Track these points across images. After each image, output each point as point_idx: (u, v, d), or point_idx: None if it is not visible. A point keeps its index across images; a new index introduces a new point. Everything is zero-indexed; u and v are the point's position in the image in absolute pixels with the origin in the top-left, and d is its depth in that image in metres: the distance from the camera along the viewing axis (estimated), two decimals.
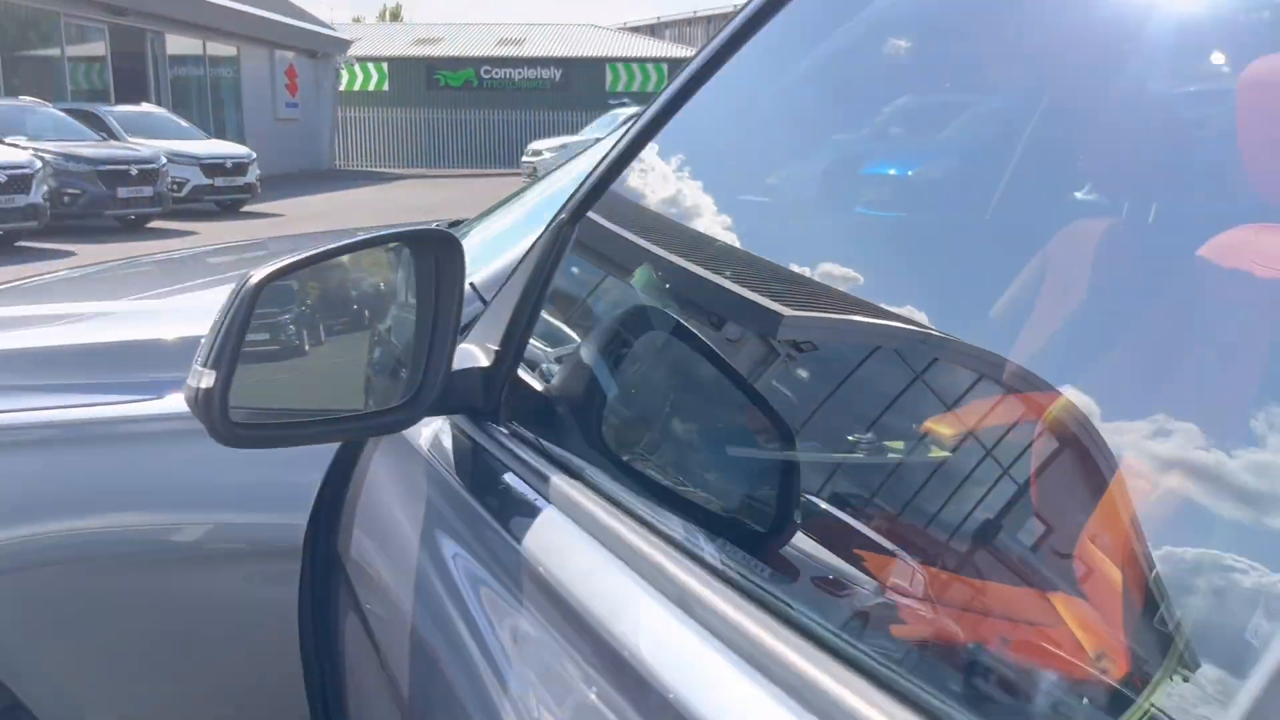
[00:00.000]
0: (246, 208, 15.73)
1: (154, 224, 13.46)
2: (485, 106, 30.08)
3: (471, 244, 2.10)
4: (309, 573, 1.32)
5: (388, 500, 1.20)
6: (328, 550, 1.31)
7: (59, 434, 1.37)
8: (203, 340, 0.93)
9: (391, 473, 1.21)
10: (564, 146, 19.53)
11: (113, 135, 14.32)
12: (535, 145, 20.38)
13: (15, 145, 11.55)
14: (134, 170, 12.85)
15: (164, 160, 13.50)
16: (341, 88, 29.50)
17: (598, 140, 2.73)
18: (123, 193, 12.70)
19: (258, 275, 0.93)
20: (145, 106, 16.87)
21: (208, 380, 0.90)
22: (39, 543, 1.33)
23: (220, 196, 15.30)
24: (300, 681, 1.33)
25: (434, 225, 1.15)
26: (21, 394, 1.43)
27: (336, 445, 1.29)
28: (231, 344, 0.91)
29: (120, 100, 17.75)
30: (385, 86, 31.12)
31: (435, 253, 1.04)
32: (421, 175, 25.56)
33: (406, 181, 23.31)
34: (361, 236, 1.11)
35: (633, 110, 21.30)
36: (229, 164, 15.27)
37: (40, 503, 1.34)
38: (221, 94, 23.70)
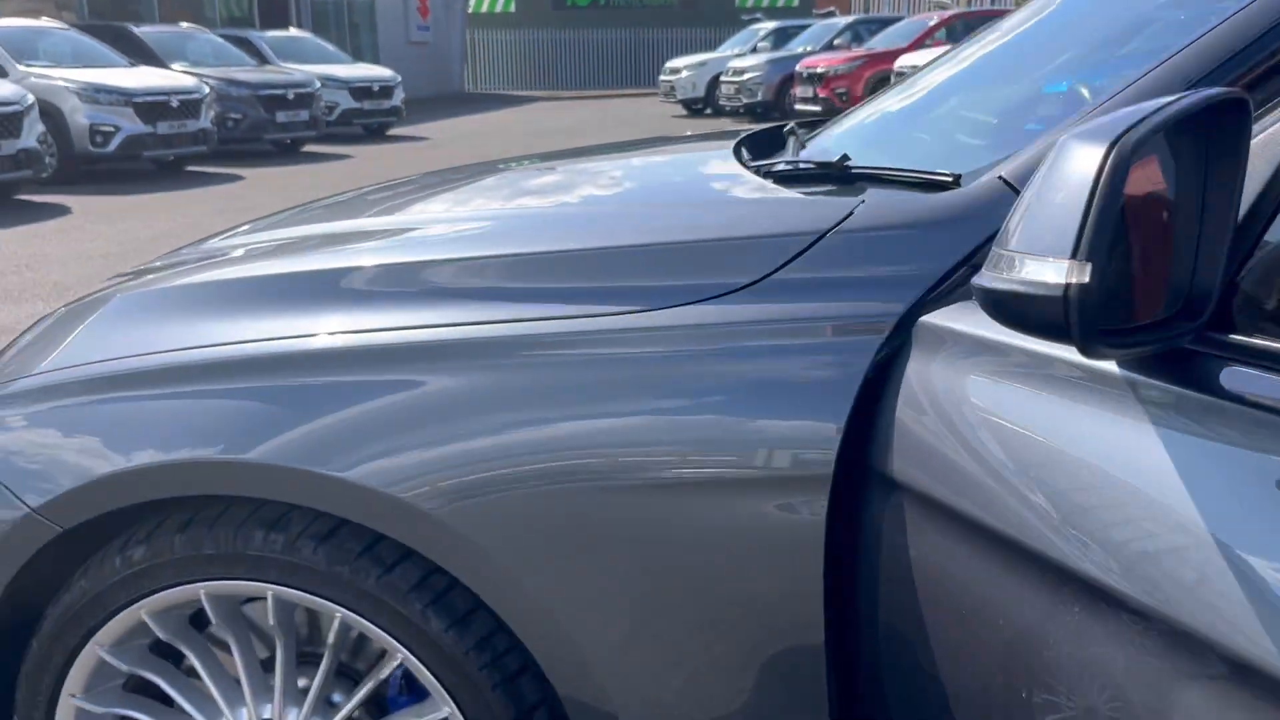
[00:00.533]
0: (392, 131, 15.77)
1: (308, 148, 13.60)
2: (612, 25, 29.54)
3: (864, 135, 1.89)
4: (845, 502, 1.12)
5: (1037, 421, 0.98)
6: (873, 474, 1.11)
7: (569, 346, 1.20)
8: (1026, 222, 0.73)
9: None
10: (704, 64, 19.00)
11: (265, 60, 14.46)
12: (673, 63, 19.88)
13: (180, 72, 11.72)
14: (290, 94, 12.97)
15: (318, 84, 13.58)
16: (470, 10, 29.33)
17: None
18: (280, 117, 12.84)
19: (1128, 141, 0.71)
20: (293, 31, 17.00)
21: (1079, 274, 0.69)
22: (551, 464, 1.16)
23: (368, 120, 15.36)
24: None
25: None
26: (506, 302, 1.26)
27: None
28: (1109, 227, 0.69)
29: (263, 25, 17.92)
30: (512, 8, 30.81)
31: (1216, 121, 0.80)
32: (553, 97, 25.30)
33: (539, 104, 23.09)
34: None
35: (771, 24, 20.61)
36: (376, 87, 15.29)
37: (552, 415, 1.17)
38: (357, 18, 23.78)
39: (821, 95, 15.31)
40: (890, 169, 1.43)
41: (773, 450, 1.16)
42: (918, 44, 15.63)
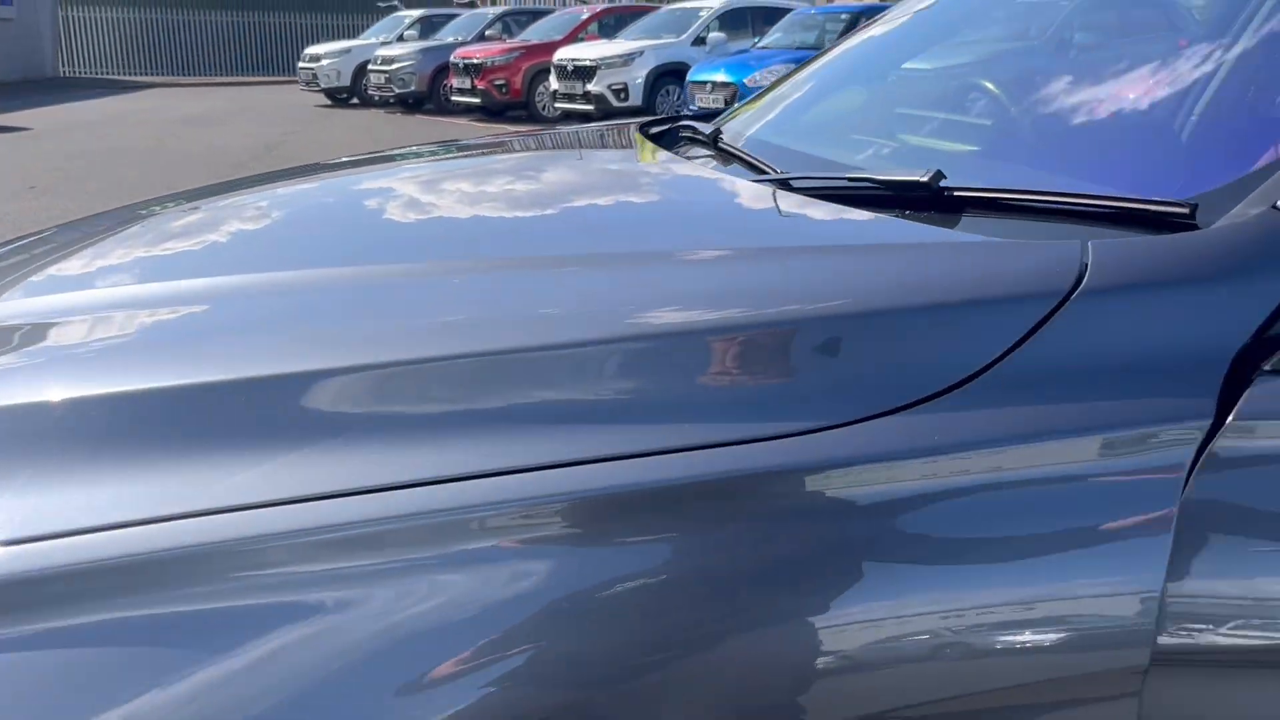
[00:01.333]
0: None
1: None
2: (230, 8, 27.16)
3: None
4: None
5: None
6: None
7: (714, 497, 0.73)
8: None
9: None
10: (347, 52, 17.91)
11: None
12: (314, 50, 18.54)
13: None
14: None
15: None
16: None
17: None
18: None
19: None
20: None
21: None
22: None
23: None
24: None
25: None
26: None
27: None
28: None
29: None
30: None
31: None
32: (171, 84, 22.80)
33: (156, 90, 20.71)
34: None
35: (416, 12, 19.77)
36: None
37: None
38: None
39: (479, 87, 14.83)
40: (1040, 193, 1.05)
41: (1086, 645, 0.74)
42: (572, 36, 15.59)
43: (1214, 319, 0.82)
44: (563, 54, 14.20)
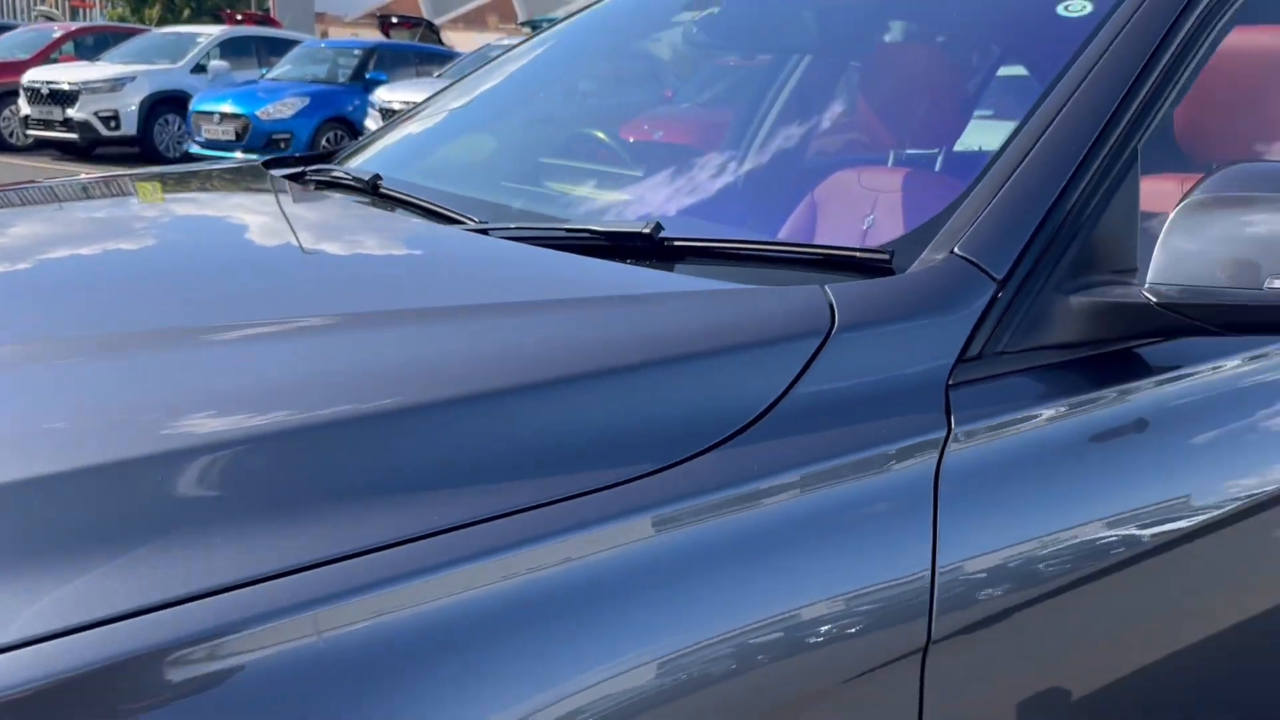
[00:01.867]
0: None
1: None
2: None
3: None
4: None
5: None
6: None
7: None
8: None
9: None
10: None
11: None
12: None
13: None
14: None
15: None
16: None
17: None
18: None
19: None
20: None
21: None
22: None
23: None
24: None
25: None
26: None
27: None
28: None
29: None
30: None
31: None
32: None
33: None
34: None
35: None
36: None
37: None
38: None
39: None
40: (756, 242, 1.16)
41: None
42: (43, 56, 13.87)
43: (925, 346, 0.99)
44: (35, 75, 12.60)
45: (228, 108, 11.93)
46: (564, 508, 0.76)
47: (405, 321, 1.01)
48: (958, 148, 1.68)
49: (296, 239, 1.42)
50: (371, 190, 1.56)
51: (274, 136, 11.86)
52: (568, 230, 1.24)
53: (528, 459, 0.80)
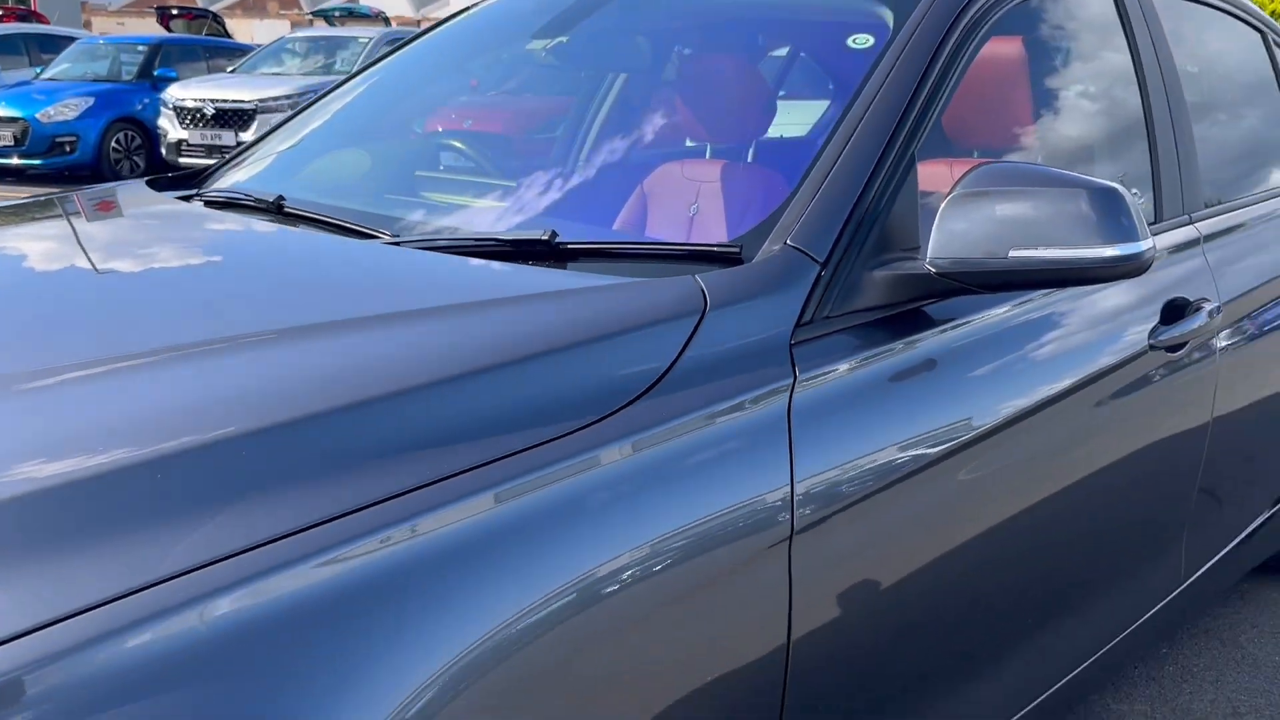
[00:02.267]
0: None
1: None
2: None
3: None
4: None
5: None
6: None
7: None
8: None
9: None
10: None
11: None
12: None
13: None
14: None
15: None
16: None
17: None
18: None
19: None
20: None
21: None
22: None
23: None
24: None
25: None
26: None
27: None
28: None
29: None
30: None
31: None
32: None
33: None
34: None
35: None
36: None
37: None
38: None
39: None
40: (636, 242, 1.44)
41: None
42: None
43: (772, 317, 1.30)
44: None
45: (2, 111, 11.23)
46: (539, 451, 1.03)
47: (375, 325, 1.24)
48: (763, 139, 2.02)
49: (230, 259, 1.61)
50: (276, 210, 1.76)
51: (57, 139, 11.26)
52: (476, 239, 1.49)
53: (510, 420, 1.06)
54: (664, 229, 1.79)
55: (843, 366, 1.32)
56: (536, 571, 0.98)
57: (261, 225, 1.71)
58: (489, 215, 1.80)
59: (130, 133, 11.83)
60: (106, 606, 0.79)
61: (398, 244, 1.53)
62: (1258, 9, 2.59)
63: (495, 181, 2.00)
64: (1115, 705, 2.30)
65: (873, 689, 1.38)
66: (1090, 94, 2.05)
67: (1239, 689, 2.38)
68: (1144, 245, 1.35)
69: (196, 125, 10.83)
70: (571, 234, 1.47)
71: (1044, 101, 2.00)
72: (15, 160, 11.27)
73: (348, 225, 1.62)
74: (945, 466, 1.39)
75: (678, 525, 1.10)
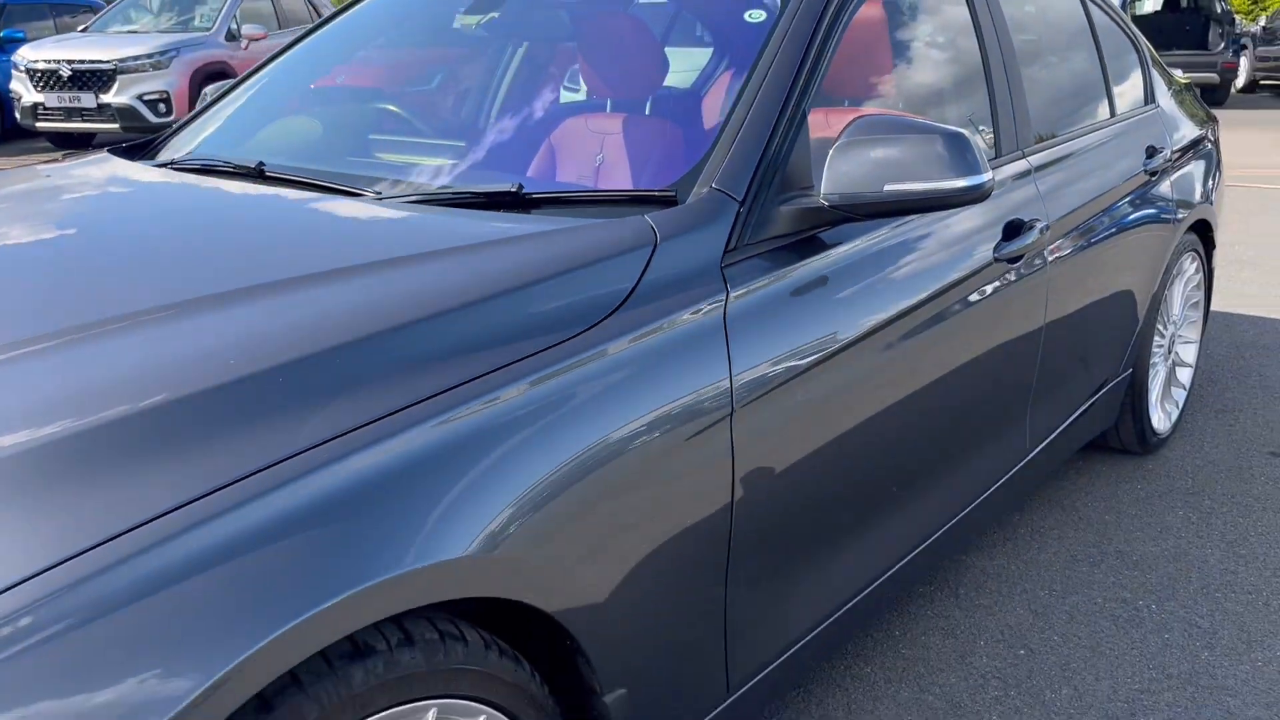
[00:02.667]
0: None
1: None
2: None
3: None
4: None
5: None
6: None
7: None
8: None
9: None
10: None
11: None
12: None
13: None
14: None
15: None
16: None
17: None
18: None
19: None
20: None
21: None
22: None
23: None
24: None
25: None
26: None
27: None
28: None
29: None
30: None
31: None
32: None
33: None
34: None
35: None
36: None
37: None
38: None
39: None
40: (574, 192, 1.76)
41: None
42: None
43: (706, 247, 1.64)
44: None
45: None
46: (550, 353, 1.36)
47: (410, 263, 1.53)
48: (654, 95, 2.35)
49: (243, 218, 1.86)
50: (258, 174, 2.01)
51: None
52: (453, 193, 1.78)
53: (527, 330, 1.38)
54: (572, 177, 2.11)
55: (761, 283, 1.67)
56: (556, 433, 1.31)
57: (254, 188, 1.96)
58: (449, 171, 2.09)
59: None
60: (276, 466, 1.10)
61: (381, 200, 1.81)
62: None
63: (440, 142, 2.28)
64: (979, 562, 2.77)
65: (794, 525, 1.76)
66: (941, 52, 2.44)
67: (1076, 543, 2.88)
68: (985, 177, 1.74)
69: (53, 88, 10.47)
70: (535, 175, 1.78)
71: (905, 59, 2.39)
72: None
73: (334, 186, 1.89)
74: (839, 359, 1.77)
75: (650, 408, 1.44)
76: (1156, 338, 3.30)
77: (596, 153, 2.16)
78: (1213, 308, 5.11)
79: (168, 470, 1.08)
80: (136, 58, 10.44)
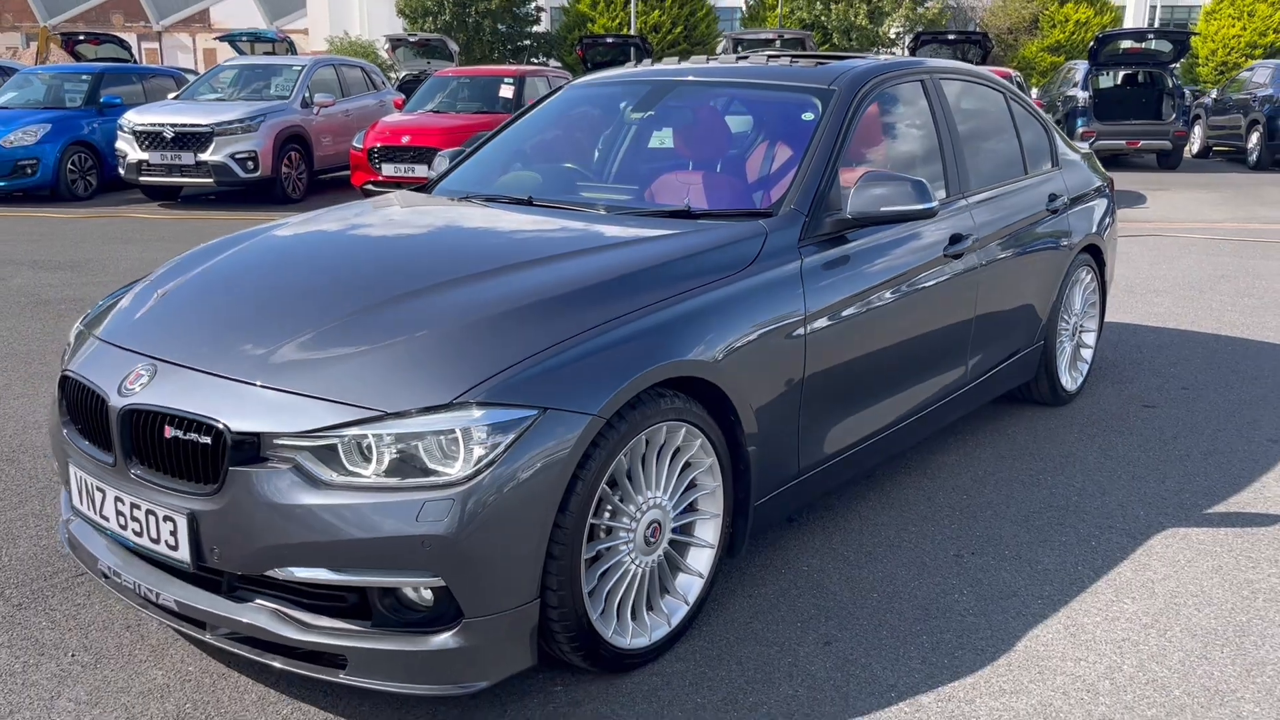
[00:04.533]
0: None
1: None
2: None
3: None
4: None
5: None
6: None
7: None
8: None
9: None
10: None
11: None
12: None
13: None
14: None
15: None
16: None
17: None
18: None
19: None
20: None
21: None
22: None
23: None
24: None
25: None
26: None
27: None
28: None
29: None
30: None
31: None
32: None
33: None
34: None
35: None
36: None
37: None
38: None
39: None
40: (718, 210, 3.35)
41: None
42: None
43: (789, 237, 3.21)
44: None
45: None
46: (720, 280, 2.91)
47: (644, 241, 3.10)
48: (730, 164, 3.94)
49: (533, 225, 3.42)
50: (527, 202, 3.58)
51: (20, 163, 12.36)
52: (654, 210, 3.36)
53: (709, 270, 2.93)
54: (704, 204, 3.68)
55: (816, 257, 3.23)
56: (724, 317, 2.85)
57: (527, 212, 3.53)
58: (644, 199, 3.66)
59: (83, 155, 12.96)
60: (604, 325, 2.64)
61: (607, 212, 3.38)
62: (996, 77, 4.66)
63: (619, 186, 3.87)
64: (937, 458, 4.31)
65: (834, 388, 3.29)
66: (913, 133, 4.05)
67: (1006, 450, 4.43)
68: (934, 204, 3.31)
69: (156, 148, 12.10)
70: (690, 203, 3.37)
71: (891, 138, 3.99)
72: None
73: (579, 208, 3.47)
74: (855, 299, 3.32)
75: (767, 315, 2.99)
76: (1061, 323, 4.87)
77: (710, 189, 3.74)
78: (1128, 319, 6.73)
79: (565, 322, 2.59)
80: (230, 122, 12.09)
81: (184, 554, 2.41)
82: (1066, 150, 5.13)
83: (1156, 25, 36.69)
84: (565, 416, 2.37)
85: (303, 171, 12.97)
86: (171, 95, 13.73)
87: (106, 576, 2.65)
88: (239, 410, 2.37)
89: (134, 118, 12.32)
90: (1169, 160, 17.82)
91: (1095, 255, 5.10)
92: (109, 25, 72.48)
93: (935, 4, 38.80)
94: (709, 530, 2.88)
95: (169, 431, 2.43)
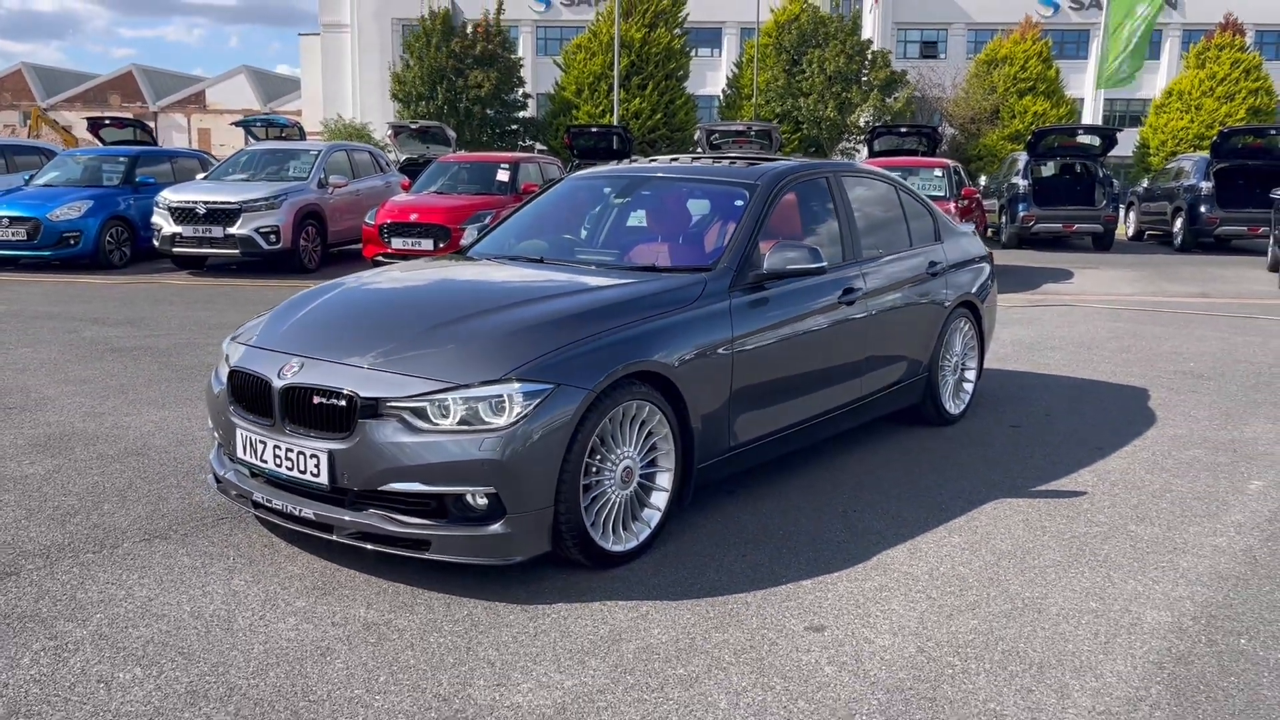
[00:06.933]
0: None
1: None
2: None
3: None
4: None
5: None
6: None
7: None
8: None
9: None
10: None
11: None
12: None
13: None
14: None
15: None
16: None
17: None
18: None
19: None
20: None
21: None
22: None
23: None
24: None
25: None
26: None
27: None
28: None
29: None
30: None
31: None
32: None
33: None
34: None
35: None
36: None
37: None
38: None
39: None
40: (674, 266, 4.80)
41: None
42: None
43: (722, 284, 4.65)
44: None
45: (16, 212, 13.68)
46: (670, 312, 4.34)
47: (624, 285, 4.54)
48: (684, 235, 5.40)
49: (544, 275, 4.85)
50: (539, 260, 5.03)
51: (65, 235, 13.79)
52: (629, 266, 4.80)
53: (662, 305, 4.37)
54: (666, 262, 5.12)
55: (741, 299, 4.66)
56: (673, 338, 4.28)
57: (539, 268, 4.98)
58: (623, 259, 5.11)
59: (120, 228, 14.42)
60: (603, 330, 4.08)
61: (597, 267, 4.83)
62: (888, 173, 6.19)
63: (605, 250, 5.32)
64: (842, 458, 5.71)
65: (754, 393, 4.69)
66: (818, 214, 5.54)
67: (897, 455, 5.84)
68: (825, 264, 4.78)
69: (189, 222, 13.57)
70: (655, 261, 4.82)
71: (802, 217, 5.48)
72: (27, 252, 13.72)
73: (577, 264, 4.91)
74: (770, 330, 4.76)
75: (706, 338, 4.42)
76: (943, 360, 6.32)
77: (669, 252, 5.20)
78: (1021, 369, 8.21)
79: (570, 333, 4.00)
80: (256, 200, 13.60)
81: (324, 479, 3.78)
82: (952, 229, 6.65)
83: (1100, 121, 39.30)
84: (570, 390, 3.77)
85: (318, 244, 14.44)
86: (200, 175, 15.26)
87: (258, 505, 4.02)
88: (363, 385, 3.76)
89: (170, 195, 13.81)
90: (1102, 241, 19.60)
91: (972, 310, 6.58)
92: (106, 105, 74.69)
93: (902, 95, 41.23)
94: (665, 479, 4.26)
95: (316, 400, 3.82)
